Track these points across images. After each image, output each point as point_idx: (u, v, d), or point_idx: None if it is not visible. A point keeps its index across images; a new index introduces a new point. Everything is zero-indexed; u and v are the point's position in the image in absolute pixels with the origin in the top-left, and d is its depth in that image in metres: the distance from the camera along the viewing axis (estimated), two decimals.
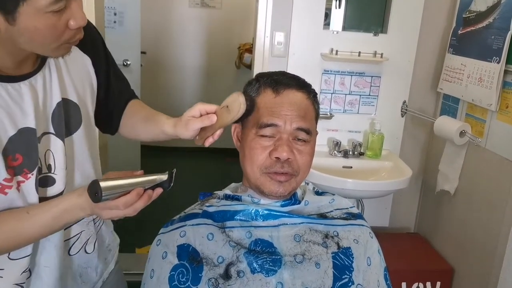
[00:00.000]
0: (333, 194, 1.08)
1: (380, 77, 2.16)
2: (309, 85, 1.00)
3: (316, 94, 1.01)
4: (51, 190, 0.91)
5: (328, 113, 2.16)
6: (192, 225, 0.94)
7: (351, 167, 2.12)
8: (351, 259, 0.95)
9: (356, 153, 2.15)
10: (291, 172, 0.92)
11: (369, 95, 2.18)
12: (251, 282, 0.87)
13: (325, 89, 2.15)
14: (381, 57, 2.07)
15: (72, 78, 0.95)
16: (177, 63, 4.29)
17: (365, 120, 2.20)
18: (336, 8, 2.13)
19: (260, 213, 0.94)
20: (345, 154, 2.13)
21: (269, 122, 0.91)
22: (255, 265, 0.89)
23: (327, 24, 2.10)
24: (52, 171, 0.91)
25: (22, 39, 0.77)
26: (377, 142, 2.13)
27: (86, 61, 0.98)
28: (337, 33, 2.09)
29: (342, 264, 0.93)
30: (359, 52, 2.06)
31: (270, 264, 0.89)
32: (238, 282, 0.87)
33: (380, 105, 2.19)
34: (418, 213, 2.39)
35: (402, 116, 2.22)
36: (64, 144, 0.92)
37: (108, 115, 1.09)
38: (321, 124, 2.15)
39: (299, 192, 1.01)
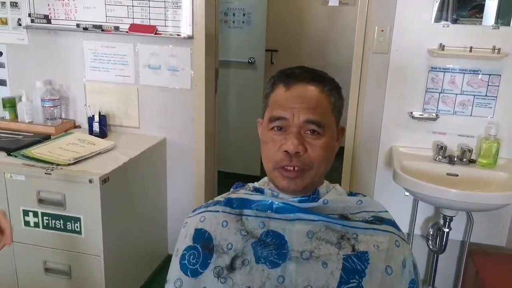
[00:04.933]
0: (365, 196, 1.02)
1: (500, 75, 1.89)
2: (325, 79, 0.95)
3: (337, 87, 0.96)
4: None
5: (434, 114, 1.98)
6: (212, 211, 0.99)
7: (457, 175, 1.92)
8: (366, 264, 0.89)
9: (464, 160, 1.93)
10: (300, 166, 0.90)
11: (486, 95, 1.93)
12: (253, 271, 0.89)
13: (432, 88, 1.97)
14: (499, 52, 1.82)
15: None
16: (308, 60, 4.33)
17: (480, 124, 1.96)
18: None
19: (275, 205, 0.95)
20: (451, 160, 1.93)
21: (277, 115, 0.91)
22: (260, 255, 0.90)
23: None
24: None
25: None
26: (490, 149, 1.88)
27: None
28: (447, 26, 1.89)
29: (353, 267, 0.88)
30: (471, 47, 1.84)
31: (275, 256, 0.90)
32: (241, 272, 0.90)
33: (500, 108, 1.93)
34: None
35: None
36: None
37: None
38: (425, 126, 2.01)
39: (322, 190, 0.98)
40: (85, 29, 2.24)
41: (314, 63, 4.30)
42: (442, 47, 1.87)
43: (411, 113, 2.00)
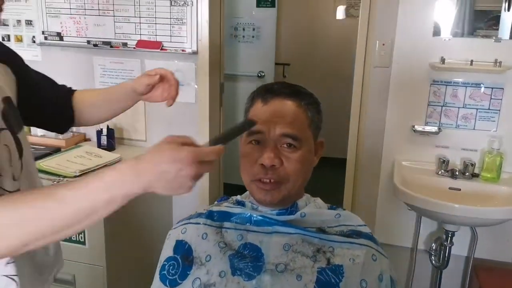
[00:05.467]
0: (344, 209, 1.02)
1: (502, 88, 1.88)
2: (302, 94, 0.98)
3: (315, 102, 0.98)
4: (5, 183, 0.91)
5: (436, 128, 1.97)
6: (193, 223, 1.02)
7: (459, 190, 1.89)
8: (340, 277, 0.90)
9: (467, 174, 1.90)
10: (276, 179, 0.92)
11: (489, 109, 1.91)
12: (229, 283, 0.91)
13: (434, 101, 1.96)
14: (500, 66, 1.80)
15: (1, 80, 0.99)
16: (321, 73, 4.35)
17: (483, 137, 1.94)
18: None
19: (254, 218, 0.97)
20: (453, 174, 1.91)
21: (255, 129, 0.93)
22: (236, 267, 0.92)
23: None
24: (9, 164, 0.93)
25: None
26: (493, 163, 1.85)
27: (4, 69, 1.03)
28: (448, 40, 1.89)
29: (327, 280, 0.89)
30: (471, 61, 1.83)
31: (251, 269, 0.91)
32: (217, 284, 0.91)
33: (503, 121, 1.90)
34: None
35: None
36: (14, 140, 0.97)
37: (54, 113, 1.18)
38: (427, 140, 1.99)
39: (301, 203, 0.99)
40: (95, 45, 2.31)
41: (327, 76, 4.34)
42: (442, 60, 1.86)
43: (414, 126, 1.99)
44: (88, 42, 2.33)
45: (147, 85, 1.17)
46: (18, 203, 0.69)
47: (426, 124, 1.99)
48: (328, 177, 3.92)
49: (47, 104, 1.17)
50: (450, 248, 1.90)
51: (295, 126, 0.93)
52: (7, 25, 2.43)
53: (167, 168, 0.69)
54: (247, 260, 0.92)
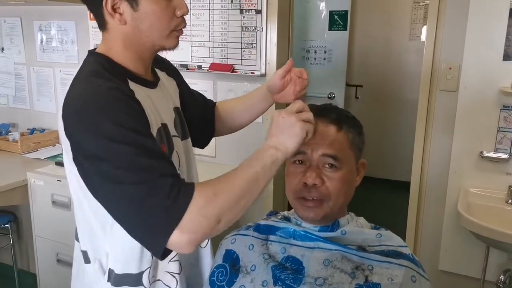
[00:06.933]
0: (386, 230, 1.05)
1: None
2: (344, 117, 1.03)
3: (355, 126, 1.03)
4: None
5: (507, 155, 1.89)
6: (242, 234, 1.10)
7: None
8: None
9: None
10: (319, 197, 0.98)
11: None
12: None
13: (504, 127, 1.89)
14: None
15: (171, 93, 1.13)
16: (393, 96, 4.28)
17: None
18: None
19: (298, 233, 1.03)
20: None
21: (299, 149, 1.00)
22: (278, 278, 0.98)
23: None
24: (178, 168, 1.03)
25: (144, 25, 0.93)
26: None
27: (172, 82, 1.18)
28: None
29: None
30: None
31: (291, 280, 0.97)
32: None
33: None
34: None
35: None
36: (183, 146, 1.09)
37: (200, 130, 1.27)
38: (497, 167, 1.92)
39: (343, 222, 1.04)
40: None
41: (400, 98, 4.25)
42: None
43: (482, 152, 1.92)
44: None
45: (282, 77, 1.20)
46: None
47: (496, 150, 1.91)
48: (392, 199, 3.84)
49: (196, 120, 1.25)
50: None
51: (335, 147, 0.99)
52: None
53: (275, 123, 0.92)
54: (288, 272, 0.99)
